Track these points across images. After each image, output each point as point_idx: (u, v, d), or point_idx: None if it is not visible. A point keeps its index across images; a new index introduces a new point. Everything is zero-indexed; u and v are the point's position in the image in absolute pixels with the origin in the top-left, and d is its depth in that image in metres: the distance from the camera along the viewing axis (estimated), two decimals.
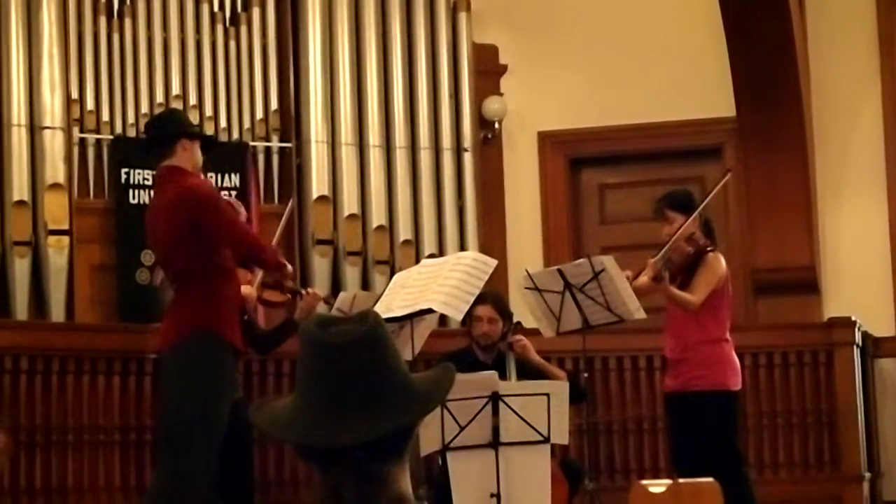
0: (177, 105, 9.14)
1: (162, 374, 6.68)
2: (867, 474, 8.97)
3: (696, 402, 7.07)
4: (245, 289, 7.05)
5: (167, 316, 6.52)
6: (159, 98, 9.25)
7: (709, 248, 7.20)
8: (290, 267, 6.78)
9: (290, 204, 8.22)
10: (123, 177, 9.09)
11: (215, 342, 6.30)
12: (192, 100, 9.38)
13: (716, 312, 7.14)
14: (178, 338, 6.33)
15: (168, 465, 6.38)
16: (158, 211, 6.52)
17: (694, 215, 7.18)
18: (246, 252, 6.50)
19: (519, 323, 7.79)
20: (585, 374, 7.77)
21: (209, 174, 9.14)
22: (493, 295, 7.51)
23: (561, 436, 6.54)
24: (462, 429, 6.30)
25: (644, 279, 7.14)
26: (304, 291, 7.61)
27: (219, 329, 6.31)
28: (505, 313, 7.61)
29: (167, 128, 6.53)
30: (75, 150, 9.06)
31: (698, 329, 7.10)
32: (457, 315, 6.81)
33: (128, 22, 9.33)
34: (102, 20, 9.27)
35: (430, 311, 6.68)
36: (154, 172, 6.94)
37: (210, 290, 6.32)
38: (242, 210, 7.25)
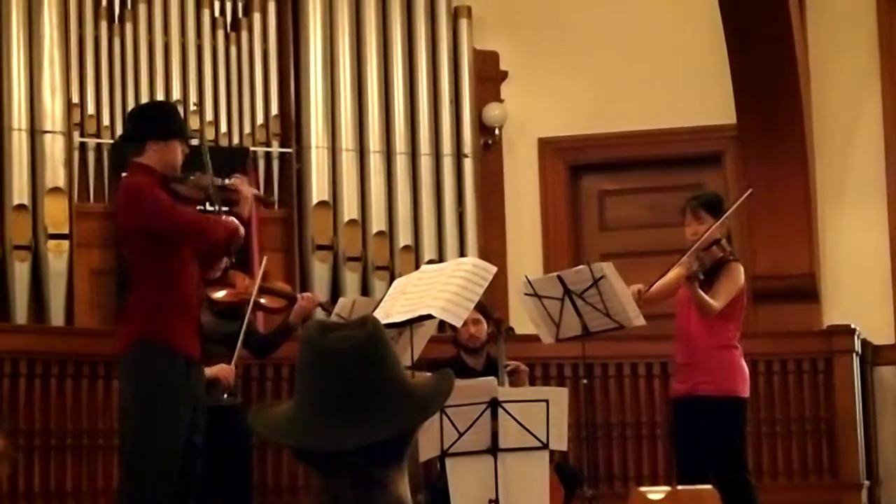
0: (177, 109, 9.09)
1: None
2: (866, 482, 8.97)
3: (704, 407, 7.01)
4: (216, 370, 6.77)
5: (121, 321, 6.31)
6: None
7: (732, 258, 7.18)
8: (242, 229, 6.30)
9: (263, 261, 7.65)
10: None
11: (162, 353, 6.05)
12: (193, 104, 9.38)
13: (727, 320, 7.10)
14: (124, 349, 6.13)
15: (124, 481, 6.23)
16: (115, 209, 6.50)
17: (723, 219, 7.15)
18: (192, 236, 6.14)
19: (511, 329, 7.78)
20: (585, 381, 7.77)
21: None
22: None
23: (560, 442, 6.54)
24: (461, 434, 6.30)
25: (675, 273, 7.11)
26: (299, 295, 7.61)
27: (163, 338, 6.06)
28: (487, 313, 7.62)
29: (138, 126, 6.33)
30: (75, 154, 9.07)
31: (709, 334, 7.06)
32: (456, 321, 6.79)
33: (129, 26, 9.34)
34: (103, 24, 9.28)
35: (429, 317, 6.67)
36: None
37: (160, 296, 6.07)
38: (244, 189, 6.88)
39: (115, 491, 7.71)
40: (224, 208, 6.46)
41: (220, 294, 7.16)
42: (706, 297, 6.97)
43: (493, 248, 9.99)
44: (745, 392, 7.18)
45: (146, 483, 6.04)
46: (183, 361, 6.13)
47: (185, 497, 6.24)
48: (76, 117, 9.09)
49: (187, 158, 6.31)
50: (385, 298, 7.04)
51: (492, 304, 8.09)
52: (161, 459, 6.03)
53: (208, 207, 6.47)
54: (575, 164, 10.44)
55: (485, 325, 7.57)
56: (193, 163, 6.37)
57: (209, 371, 6.61)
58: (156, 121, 6.34)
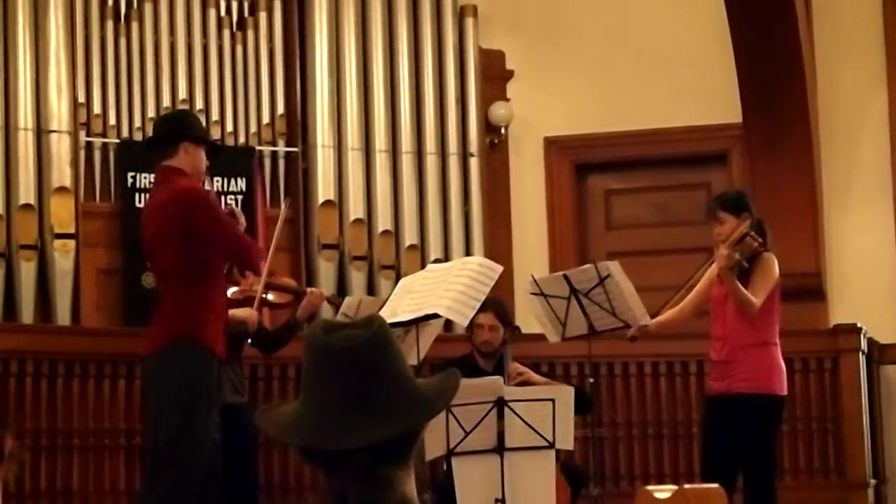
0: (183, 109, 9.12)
1: (145, 380, 6.65)
2: (872, 481, 8.96)
3: (739, 405, 6.92)
4: (244, 312, 6.94)
5: (153, 320, 6.34)
6: (166, 102, 9.25)
7: (764, 248, 7.08)
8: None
9: (284, 205, 7.88)
10: (130, 180, 9.10)
11: (197, 351, 6.11)
12: (199, 104, 9.38)
13: (766, 315, 6.98)
14: (160, 345, 6.17)
15: (153, 476, 6.26)
16: (151, 210, 6.47)
17: (745, 221, 7.03)
18: (237, 255, 6.43)
19: (518, 328, 7.77)
20: (591, 380, 7.77)
21: (216, 178, 9.15)
22: (495, 302, 7.47)
23: (566, 441, 6.53)
24: (467, 434, 6.30)
25: (708, 274, 7.06)
26: (306, 291, 7.62)
27: (201, 337, 6.13)
28: (506, 320, 7.58)
29: (173, 128, 6.44)
30: (82, 153, 9.06)
31: (748, 331, 6.95)
32: (462, 321, 6.80)
33: (135, 26, 9.34)
34: (109, 24, 9.28)
35: (435, 316, 6.67)
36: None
37: (194, 295, 6.16)
38: (242, 219, 7.09)
39: (123, 491, 7.75)
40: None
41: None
42: (746, 293, 6.86)
43: (498, 247, 9.99)
44: (782, 390, 7.06)
45: (176, 481, 6.07)
46: (217, 361, 6.20)
47: (208, 494, 6.29)
48: (82, 117, 9.09)
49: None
50: (391, 297, 7.05)
51: (511, 311, 8.05)
52: (193, 457, 6.09)
53: None
54: (581, 163, 10.44)
55: (501, 331, 7.51)
56: None
57: (238, 313, 6.69)
58: (190, 124, 6.51)
